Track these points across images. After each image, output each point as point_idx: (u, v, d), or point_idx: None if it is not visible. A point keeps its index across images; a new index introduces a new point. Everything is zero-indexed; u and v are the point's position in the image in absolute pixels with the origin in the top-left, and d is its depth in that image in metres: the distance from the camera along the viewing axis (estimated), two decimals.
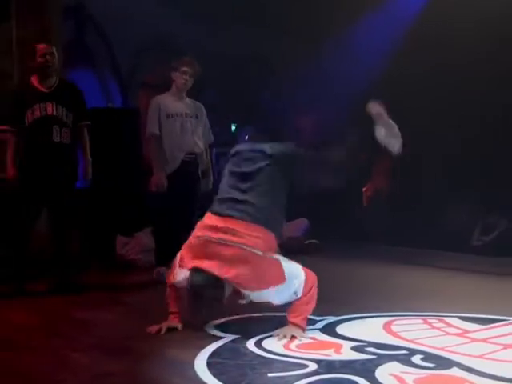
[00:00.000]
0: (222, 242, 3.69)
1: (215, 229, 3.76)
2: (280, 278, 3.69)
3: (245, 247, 3.66)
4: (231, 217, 3.77)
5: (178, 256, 3.94)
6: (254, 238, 3.69)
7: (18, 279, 5.18)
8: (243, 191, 3.87)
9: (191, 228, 4.04)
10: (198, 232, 3.87)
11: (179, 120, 5.79)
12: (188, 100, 5.96)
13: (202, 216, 4.05)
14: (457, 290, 5.34)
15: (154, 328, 3.96)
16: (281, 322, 3.91)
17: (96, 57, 7.83)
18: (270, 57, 8.41)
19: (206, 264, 3.68)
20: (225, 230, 3.72)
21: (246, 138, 8.15)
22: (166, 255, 4.96)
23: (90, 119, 5.43)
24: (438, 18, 7.45)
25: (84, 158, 5.36)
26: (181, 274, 3.86)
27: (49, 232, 5.33)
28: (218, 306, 3.92)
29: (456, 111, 7.49)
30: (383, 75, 7.73)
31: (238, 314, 4.30)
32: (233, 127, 8.70)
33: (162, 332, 3.92)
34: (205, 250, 3.74)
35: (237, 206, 3.81)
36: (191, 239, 3.89)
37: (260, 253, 3.67)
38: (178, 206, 5.65)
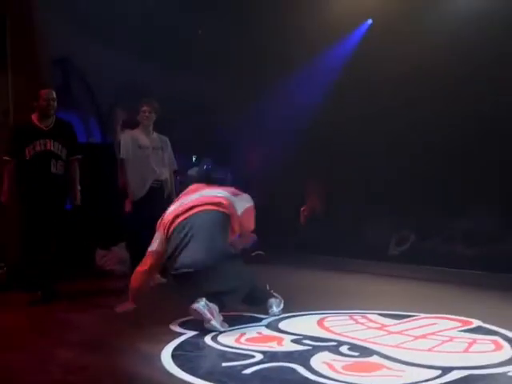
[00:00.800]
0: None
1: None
2: None
3: None
4: None
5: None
6: None
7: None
8: None
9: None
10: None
11: (148, 151, 5.74)
12: (155, 134, 5.89)
13: None
14: (376, 291, 5.41)
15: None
16: (234, 320, 3.92)
17: (79, 99, 7.75)
18: (218, 98, 8.35)
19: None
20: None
21: (205, 167, 8.14)
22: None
23: (81, 153, 5.36)
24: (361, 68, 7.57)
25: (73, 187, 5.26)
26: (156, 240, 4.11)
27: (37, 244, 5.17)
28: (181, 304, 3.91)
29: (382, 138, 7.56)
30: (319, 117, 7.82)
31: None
32: (193, 158, 8.67)
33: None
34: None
35: None
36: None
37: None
38: (147, 225, 5.58)
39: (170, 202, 5.80)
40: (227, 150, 8.50)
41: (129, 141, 5.76)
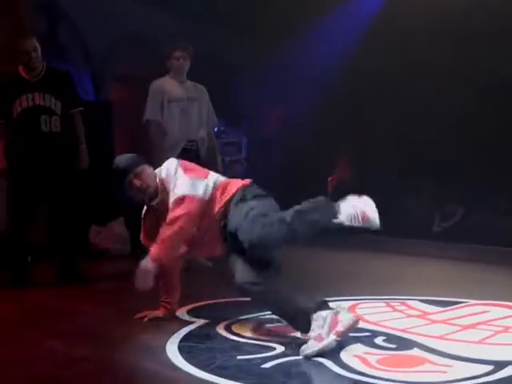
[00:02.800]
0: None
1: None
2: None
3: None
4: None
5: None
6: None
7: (21, 267, 5.06)
8: None
9: None
10: None
11: (181, 105, 5.48)
12: (189, 83, 5.62)
13: None
14: (417, 274, 5.40)
15: (140, 315, 3.92)
16: (251, 307, 3.92)
17: (68, 50, 7.71)
18: (232, 56, 8.27)
19: None
20: None
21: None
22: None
23: (81, 105, 5.24)
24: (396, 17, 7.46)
25: (77, 147, 5.14)
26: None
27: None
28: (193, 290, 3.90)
29: (416, 108, 7.49)
30: (342, 73, 7.73)
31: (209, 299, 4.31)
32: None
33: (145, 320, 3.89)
34: None
35: None
36: None
37: None
38: None
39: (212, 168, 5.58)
40: (241, 109, 8.46)
41: (159, 95, 5.45)
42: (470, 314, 3.89)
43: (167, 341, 3.43)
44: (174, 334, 3.56)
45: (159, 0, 7.67)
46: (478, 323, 3.69)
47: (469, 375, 2.84)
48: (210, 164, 5.42)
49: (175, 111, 5.47)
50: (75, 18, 7.63)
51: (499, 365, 2.95)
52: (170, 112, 5.45)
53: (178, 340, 3.46)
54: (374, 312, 3.99)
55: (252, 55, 8.13)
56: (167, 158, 5.20)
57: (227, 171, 6.11)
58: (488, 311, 3.96)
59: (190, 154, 5.31)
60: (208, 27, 7.93)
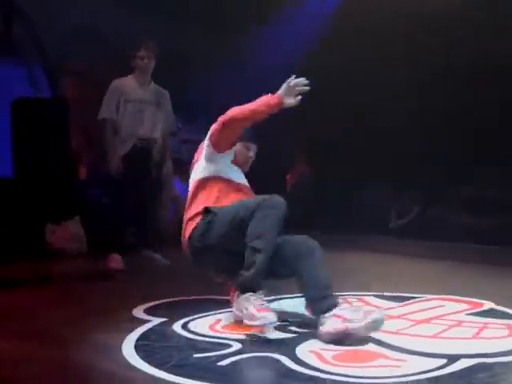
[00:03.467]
0: None
1: None
2: None
3: None
4: None
5: None
6: None
7: None
8: None
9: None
10: None
11: (137, 106, 5.54)
12: (152, 85, 5.67)
13: None
14: (374, 269, 5.45)
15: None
16: (208, 305, 3.95)
17: (22, 46, 7.58)
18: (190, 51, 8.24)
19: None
20: None
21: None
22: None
23: None
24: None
25: None
26: None
27: None
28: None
29: (380, 101, 7.57)
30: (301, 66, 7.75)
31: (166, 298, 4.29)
32: None
33: None
34: None
35: None
36: None
37: None
38: (126, 191, 5.46)
39: (158, 168, 5.63)
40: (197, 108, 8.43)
41: (115, 94, 5.50)
42: (425, 309, 3.94)
43: (124, 339, 3.40)
44: (130, 332, 3.52)
45: None
46: (432, 318, 3.74)
47: (422, 369, 2.87)
48: (160, 165, 5.51)
49: (130, 111, 5.52)
50: (30, 13, 7.51)
51: (452, 358, 2.99)
52: (125, 111, 5.50)
53: (135, 339, 3.42)
54: None
55: (207, 51, 8.11)
56: (120, 151, 5.29)
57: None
58: (442, 306, 4.02)
59: (140, 152, 5.50)
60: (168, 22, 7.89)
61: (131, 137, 5.53)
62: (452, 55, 7.04)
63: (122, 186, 5.47)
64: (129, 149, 5.50)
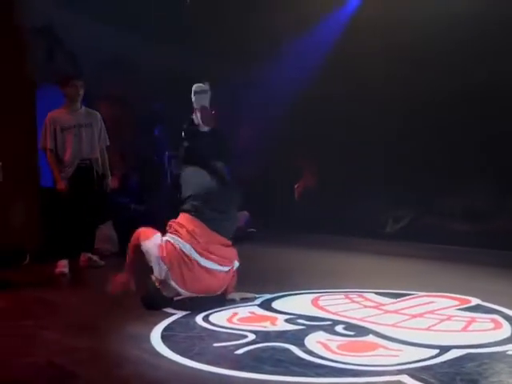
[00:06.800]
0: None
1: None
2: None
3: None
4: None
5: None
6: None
7: None
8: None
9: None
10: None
11: (73, 132, 5.53)
12: (83, 109, 5.67)
13: None
14: (373, 269, 5.42)
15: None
16: (226, 300, 3.97)
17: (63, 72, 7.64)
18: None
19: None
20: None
21: None
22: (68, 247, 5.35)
23: None
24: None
25: None
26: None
27: None
28: None
29: (376, 110, 7.52)
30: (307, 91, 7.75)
31: None
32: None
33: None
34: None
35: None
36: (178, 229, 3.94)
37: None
38: (76, 205, 5.47)
39: (102, 182, 5.69)
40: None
41: (51, 126, 5.49)
42: (418, 305, 3.91)
43: (151, 331, 3.41)
44: (157, 324, 3.53)
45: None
46: (425, 312, 3.72)
47: (417, 358, 2.86)
48: (104, 177, 5.65)
49: (68, 138, 5.53)
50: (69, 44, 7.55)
51: (443, 349, 2.98)
52: (64, 139, 5.52)
53: (161, 330, 3.44)
54: (335, 303, 4.00)
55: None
56: (66, 173, 5.41)
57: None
58: (434, 302, 3.99)
59: (85, 170, 5.56)
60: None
61: (75, 159, 5.55)
62: (441, 72, 6.95)
63: (69, 202, 5.47)
64: (74, 170, 5.53)
